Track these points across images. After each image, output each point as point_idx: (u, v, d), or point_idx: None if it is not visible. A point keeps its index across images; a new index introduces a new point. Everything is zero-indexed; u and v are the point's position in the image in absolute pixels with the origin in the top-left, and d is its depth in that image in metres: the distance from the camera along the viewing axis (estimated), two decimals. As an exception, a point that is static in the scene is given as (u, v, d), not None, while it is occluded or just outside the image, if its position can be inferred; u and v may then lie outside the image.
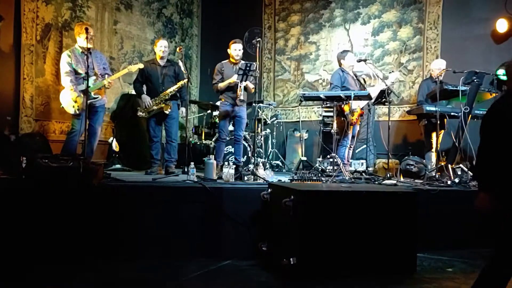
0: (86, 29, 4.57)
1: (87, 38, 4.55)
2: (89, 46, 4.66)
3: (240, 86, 4.98)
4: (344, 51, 5.75)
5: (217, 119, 6.40)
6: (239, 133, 5.28)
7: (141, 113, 5.14)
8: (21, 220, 3.26)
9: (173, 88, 5.15)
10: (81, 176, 3.41)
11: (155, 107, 5.10)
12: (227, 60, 5.25)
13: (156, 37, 7.64)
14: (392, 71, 6.12)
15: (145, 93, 5.22)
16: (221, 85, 5.11)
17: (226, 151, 5.78)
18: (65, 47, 5.88)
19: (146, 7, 7.55)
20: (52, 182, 3.36)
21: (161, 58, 5.25)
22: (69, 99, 4.78)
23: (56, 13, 5.91)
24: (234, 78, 5.00)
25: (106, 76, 4.98)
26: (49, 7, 5.81)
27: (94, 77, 4.88)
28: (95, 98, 4.85)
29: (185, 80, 5.13)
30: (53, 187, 3.35)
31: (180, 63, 5.14)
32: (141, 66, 5.10)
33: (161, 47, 5.21)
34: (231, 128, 5.64)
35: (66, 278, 2.97)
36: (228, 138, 5.56)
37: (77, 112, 4.75)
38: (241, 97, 5.05)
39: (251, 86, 5.14)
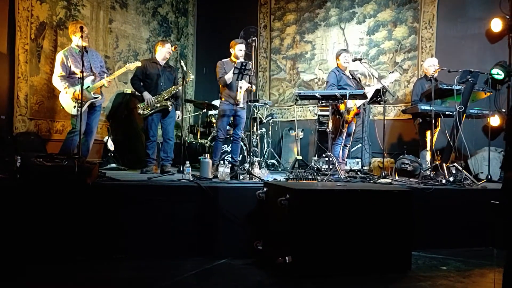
0: (81, 28, 4.55)
1: (81, 37, 4.53)
2: (85, 44, 4.65)
3: (239, 88, 4.96)
4: (341, 50, 5.80)
5: (215, 118, 6.41)
6: (238, 132, 5.26)
7: (141, 111, 5.11)
8: (15, 219, 3.25)
9: (177, 86, 5.23)
10: (76, 176, 3.39)
11: (157, 105, 5.11)
12: (228, 59, 5.22)
13: (151, 35, 7.65)
14: (393, 71, 6.14)
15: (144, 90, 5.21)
16: (227, 76, 5.02)
17: (222, 149, 5.78)
18: (60, 45, 5.87)
19: (141, 6, 7.53)
20: (47, 182, 3.34)
21: (164, 59, 5.31)
22: (69, 100, 4.75)
23: (51, 12, 5.89)
24: (239, 65, 4.97)
25: (105, 75, 4.97)
26: (44, 5, 5.78)
27: (92, 77, 4.86)
28: (95, 98, 4.84)
29: (186, 79, 5.12)
30: (47, 186, 3.33)
31: (182, 63, 5.10)
32: (139, 64, 5.10)
33: (169, 49, 5.33)
34: (228, 127, 5.62)
35: (61, 277, 2.96)
36: (226, 137, 5.55)
37: (78, 111, 4.71)
38: (241, 102, 5.00)
39: (246, 85, 5.07)
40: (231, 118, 5.35)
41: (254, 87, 5.13)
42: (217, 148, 5.25)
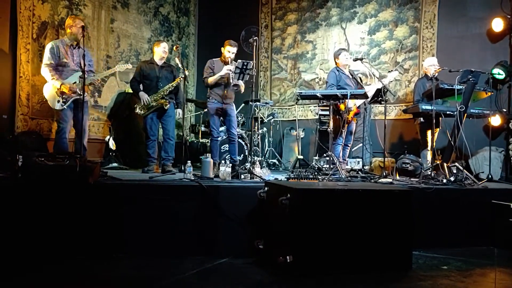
0: (80, 25, 4.61)
1: (71, 32, 4.57)
2: (79, 38, 4.65)
3: (231, 80, 5.01)
4: (340, 49, 5.82)
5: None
6: (232, 131, 5.27)
7: (139, 110, 5.14)
8: (15, 219, 3.25)
9: (172, 84, 5.23)
10: (78, 175, 3.40)
11: (154, 104, 5.12)
12: (219, 58, 5.25)
13: (153, 35, 7.66)
14: (392, 70, 6.14)
15: (142, 90, 5.23)
16: (211, 79, 5.14)
17: (223, 149, 5.79)
18: (61, 45, 5.88)
19: (143, 6, 7.54)
20: (48, 181, 3.35)
21: (161, 58, 5.33)
22: (53, 93, 4.66)
23: (53, 11, 5.90)
24: (223, 72, 5.02)
25: (92, 75, 4.93)
26: (46, 5, 5.80)
27: (81, 73, 4.83)
28: (80, 95, 4.80)
29: (182, 77, 5.16)
30: (49, 185, 3.34)
31: (177, 60, 5.15)
32: (129, 66, 5.16)
33: (165, 48, 5.35)
34: (223, 127, 5.64)
35: (61, 276, 2.97)
36: (225, 136, 5.55)
37: (62, 106, 4.67)
38: (230, 94, 5.08)
39: (241, 83, 5.15)
40: (221, 117, 5.38)
41: (242, 86, 5.22)
42: (214, 147, 5.27)
